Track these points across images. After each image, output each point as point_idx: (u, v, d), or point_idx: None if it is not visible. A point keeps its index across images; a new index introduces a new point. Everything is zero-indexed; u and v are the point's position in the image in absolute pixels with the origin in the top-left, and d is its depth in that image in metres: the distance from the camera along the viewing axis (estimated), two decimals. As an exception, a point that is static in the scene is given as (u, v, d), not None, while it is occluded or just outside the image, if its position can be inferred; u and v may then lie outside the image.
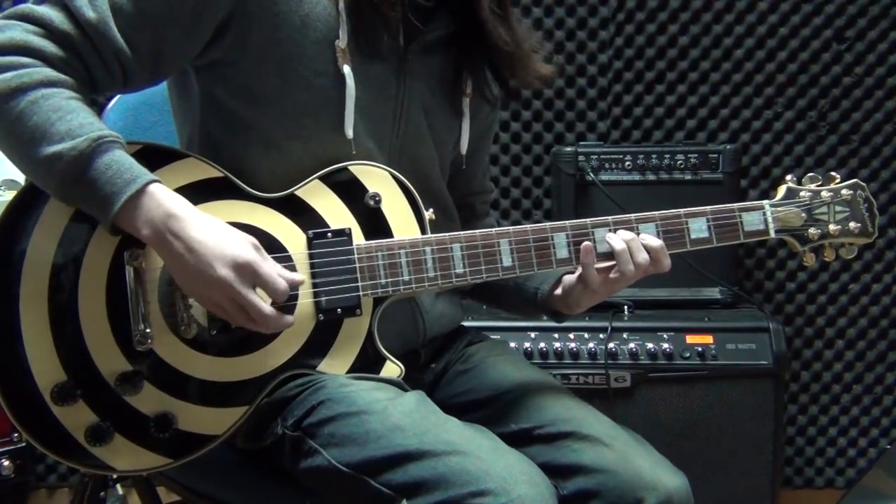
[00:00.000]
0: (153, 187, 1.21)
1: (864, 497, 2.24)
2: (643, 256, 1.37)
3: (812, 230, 1.44)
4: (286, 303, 1.28)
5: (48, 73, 1.21)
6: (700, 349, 2.16)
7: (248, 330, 1.28)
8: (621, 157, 2.38)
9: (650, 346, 2.16)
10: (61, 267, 1.26)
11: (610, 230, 1.39)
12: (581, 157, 2.37)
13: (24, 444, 2.30)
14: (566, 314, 1.52)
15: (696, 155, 2.38)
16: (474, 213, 1.69)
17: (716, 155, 2.38)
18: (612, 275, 1.39)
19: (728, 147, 2.39)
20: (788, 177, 1.46)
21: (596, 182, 2.34)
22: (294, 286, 1.28)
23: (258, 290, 1.24)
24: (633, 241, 1.38)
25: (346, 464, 1.24)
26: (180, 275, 1.24)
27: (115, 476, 1.69)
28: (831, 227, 1.44)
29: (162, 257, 1.25)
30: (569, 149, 2.39)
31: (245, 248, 1.22)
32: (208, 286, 1.22)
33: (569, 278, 1.47)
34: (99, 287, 1.27)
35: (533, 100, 2.64)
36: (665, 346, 2.16)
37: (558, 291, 1.49)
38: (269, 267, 1.24)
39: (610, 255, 1.38)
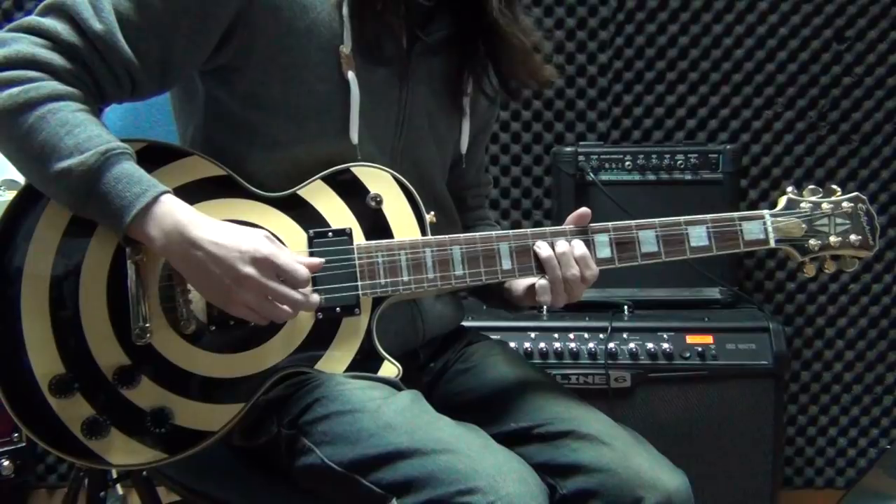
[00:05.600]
0: (164, 198, 1.22)
1: (864, 497, 2.24)
2: (573, 271, 1.38)
3: (812, 241, 1.45)
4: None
5: (55, 86, 1.22)
6: (700, 349, 2.16)
7: (248, 327, 1.29)
8: (621, 157, 2.38)
9: (650, 346, 2.16)
10: (63, 261, 1.27)
11: (609, 237, 1.40)
12: (581, 157, 2.36)
13: (24, 444, 2.30)
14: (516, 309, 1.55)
15: (696, 155, 2.37)
16: (465, 206, 1.69)
17: (716, 155, 2.37)
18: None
19: (728, 147, 2.39)
20: (789, 188, 1.47)
21: (596, 182, 2.34)
22: (314, 269, 1.29)
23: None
24: (563, 255, 1.38)
25: (339, 462, 1.24)
26: (203, 282, 1.24)
27: (114, 475, 1.69)
28: (832, 238, 1.45)
29: (178, 267, 1.25)
30: (569, 149, 2.38)
31: (261, 242, 1.23)
32: (235, 286, 1.22)
33: (519, 284, 1.48)
34: (99, 281, 1.28)
35: (533, 100, 2.64)
36: (665, 346, 2.16)
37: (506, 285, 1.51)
38: (288, 255, 1.25)
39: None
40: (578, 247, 1.38)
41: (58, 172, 1.18)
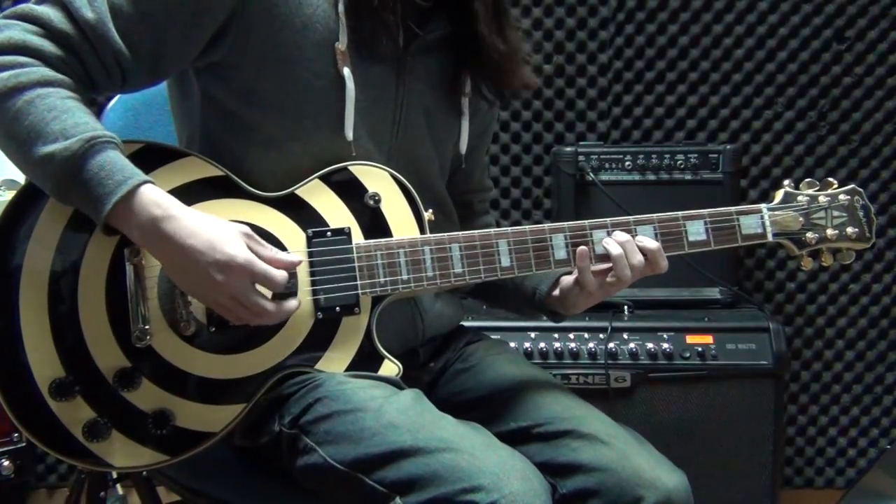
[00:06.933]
0: (144, 188, 1.20)
1: (864, 497, 2.24)
2: (638, 258, 1.38)
3: (810, 234, 1.44)
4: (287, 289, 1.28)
5: (45, 72, 1.22)
6: (700, 349, 2.16)
7: (248, 327, 1.29)
8: (621, 157, 2.38)
9: (650, 346, 2.16)
10: (61, 263, 1.27)
11: (608, 232, 1.39)
12: (581, 157, 2.37)
13: (24, 444, 2.30)
14: (564, 314, 1.52)
15: (696, 155, 2.37)
16: (472, 211, 1.69)
17: (716, 155, 2.38)
18: (608, 278, 1.40)
19: (728, 147, 2.39)
20: (786, 181, 1.47)
21: (596, 182, 2.34)
22: (291, 267, 1.28)
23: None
24: (627, 243, 1.38)
25: (341, 461, 1.24)
26: (176, 276, 1.25)
27: (114, 475, 1.69)
28: (829, 231, 1.44)
29: (156, 258, 1.26)
30: (569, 149, 2.39)
31: (237, 248, 1.22)
32: (206, 288, 1.23)
33: (566, 280, 1.47)
34: (99, 283, 1.28)
35: (533, 100, 2.64)
36: (665, 346, 2.16)
37: (556, 292, 1.49)
38: (263, 263, 1.24)
39: (607, 256, 1.38)
40: (650, 241, 1.38)
41: (41, 157, 1.18)
